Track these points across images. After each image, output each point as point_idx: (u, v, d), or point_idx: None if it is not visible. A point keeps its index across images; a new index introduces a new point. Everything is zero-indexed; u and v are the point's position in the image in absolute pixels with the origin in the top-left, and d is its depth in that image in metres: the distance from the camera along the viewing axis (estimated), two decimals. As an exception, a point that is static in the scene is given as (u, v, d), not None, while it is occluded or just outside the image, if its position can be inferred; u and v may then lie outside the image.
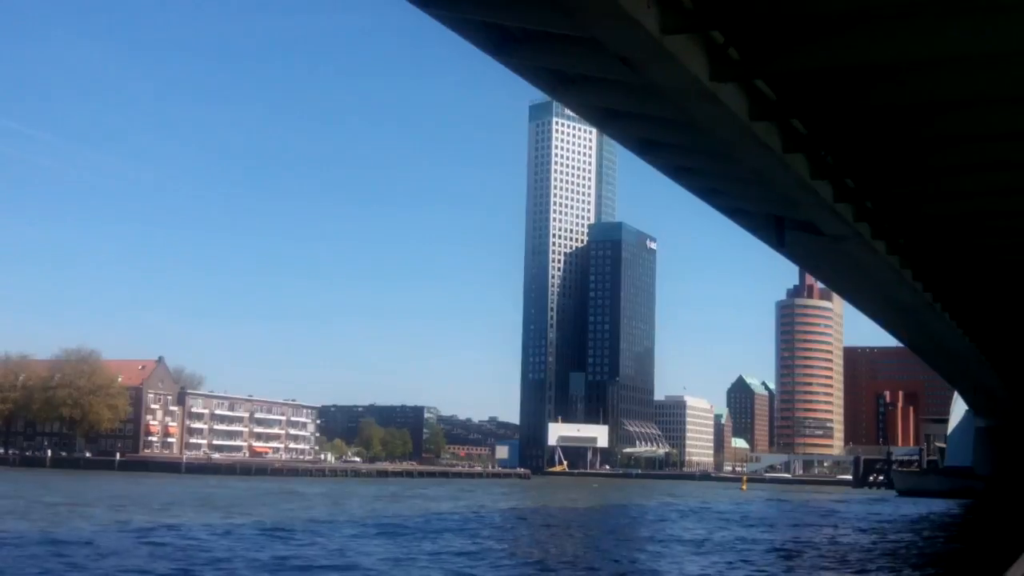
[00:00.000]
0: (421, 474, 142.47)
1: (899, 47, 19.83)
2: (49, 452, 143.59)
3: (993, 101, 23.19)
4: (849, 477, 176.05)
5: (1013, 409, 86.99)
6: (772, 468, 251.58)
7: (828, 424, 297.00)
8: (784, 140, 25.23)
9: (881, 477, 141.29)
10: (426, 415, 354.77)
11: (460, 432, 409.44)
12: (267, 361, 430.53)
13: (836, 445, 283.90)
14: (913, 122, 24.82)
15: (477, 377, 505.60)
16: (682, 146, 28.64)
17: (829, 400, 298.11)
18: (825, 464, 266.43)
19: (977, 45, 19.67)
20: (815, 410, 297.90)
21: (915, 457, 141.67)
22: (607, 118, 27.51)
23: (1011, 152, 26.31)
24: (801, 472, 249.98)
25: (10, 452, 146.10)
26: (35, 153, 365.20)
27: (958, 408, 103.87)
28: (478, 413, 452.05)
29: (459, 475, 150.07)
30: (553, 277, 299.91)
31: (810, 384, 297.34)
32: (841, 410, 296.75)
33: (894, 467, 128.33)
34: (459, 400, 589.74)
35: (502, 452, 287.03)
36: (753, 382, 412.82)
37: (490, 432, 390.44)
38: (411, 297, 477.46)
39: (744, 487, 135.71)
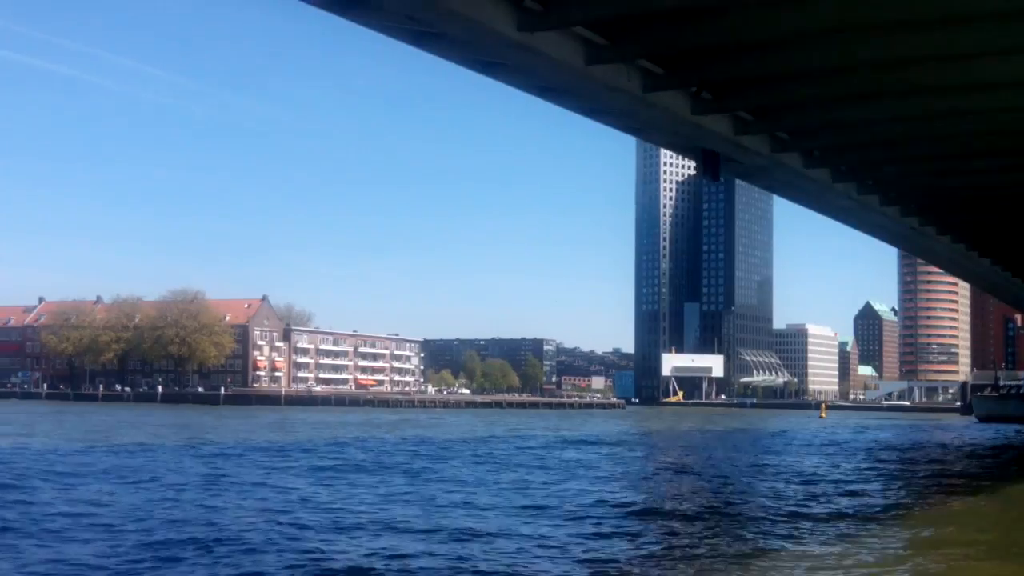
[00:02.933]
0: (511, 404, 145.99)
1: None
2: (160, 388, 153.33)
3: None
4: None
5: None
6: (890, 396, 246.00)
7: (953, 350, 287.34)
8: (644, 81, 26.03)
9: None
10: (545, 347, 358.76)
11: (582, 364, 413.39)
12: (395, 298, 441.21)
13: (962, 371, 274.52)
14: (764, 58, 25.30)
15: (601, 309, 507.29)
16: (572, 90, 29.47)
17: (955, 325, 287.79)
18: (950, 391, 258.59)
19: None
20: (940, 335, 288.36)
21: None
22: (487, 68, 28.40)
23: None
24: (925, 399, 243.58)
25: (124, 389, 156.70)
26: (149, 91, 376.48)
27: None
28: (602, 345, 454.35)
29: (549, 406, 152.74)
30: (665, 207, 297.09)
31: (934, 309, 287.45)
32: (968, 335, 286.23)
33: (976, 393, 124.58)
34: (584, 332, 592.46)
35: (598, 383, 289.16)
36: (882, 308, 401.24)
37: (612, 363, 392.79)
38: (527, 231, 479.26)
39: (823, 415, 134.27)
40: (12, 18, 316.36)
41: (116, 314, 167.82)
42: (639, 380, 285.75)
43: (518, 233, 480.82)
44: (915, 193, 40.71)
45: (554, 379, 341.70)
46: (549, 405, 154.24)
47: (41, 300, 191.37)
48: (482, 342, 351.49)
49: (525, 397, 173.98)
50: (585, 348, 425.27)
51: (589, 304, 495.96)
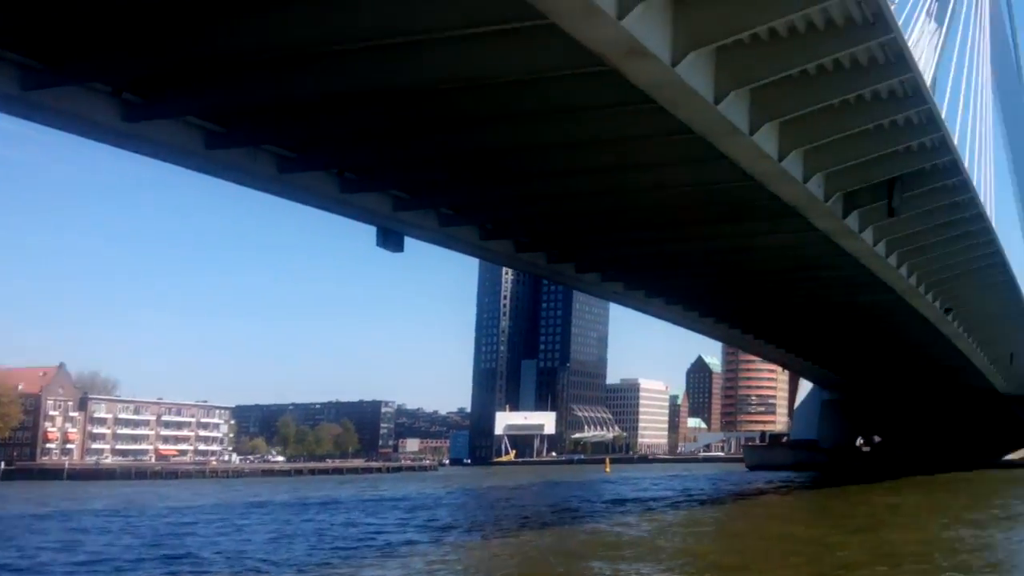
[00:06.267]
0: (312, 472, 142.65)
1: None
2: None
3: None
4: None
5: (847, 382, 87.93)
6: (709, 447, 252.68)
7: (771, 401, 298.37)
8: (279, 163, 26.81)
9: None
10: (384, 409, 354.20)
11: (423, 425, 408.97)
12: (226, 364, 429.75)
13: (780, 421, 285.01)
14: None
15: (445, 369, 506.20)
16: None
17: (773, 377, 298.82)
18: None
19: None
20: (759, 387, 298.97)
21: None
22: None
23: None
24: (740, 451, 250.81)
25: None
26: None
27: (805, 383, 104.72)
28: (446, 405, 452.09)
29: (355, 471, 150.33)
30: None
31: (753, 361, 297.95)
32: (786, 387, 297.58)
33: (744, 443, 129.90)
34: (429, 393, 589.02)
35: (412, 445, 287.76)
36: (712, 361, 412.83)
37: (455, 424, 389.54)
38: (368, 293, 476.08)
39: (607, 470, 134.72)
40: None
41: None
42: (474, 440, 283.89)
43: (358, 297, 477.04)
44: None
45: (391, 442, 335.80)
46: (355, 470, 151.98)
47: None
48: (318, 406, 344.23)
49: (332, 463, 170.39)
50: (428, 409, 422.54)
51: (433, 364, 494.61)
